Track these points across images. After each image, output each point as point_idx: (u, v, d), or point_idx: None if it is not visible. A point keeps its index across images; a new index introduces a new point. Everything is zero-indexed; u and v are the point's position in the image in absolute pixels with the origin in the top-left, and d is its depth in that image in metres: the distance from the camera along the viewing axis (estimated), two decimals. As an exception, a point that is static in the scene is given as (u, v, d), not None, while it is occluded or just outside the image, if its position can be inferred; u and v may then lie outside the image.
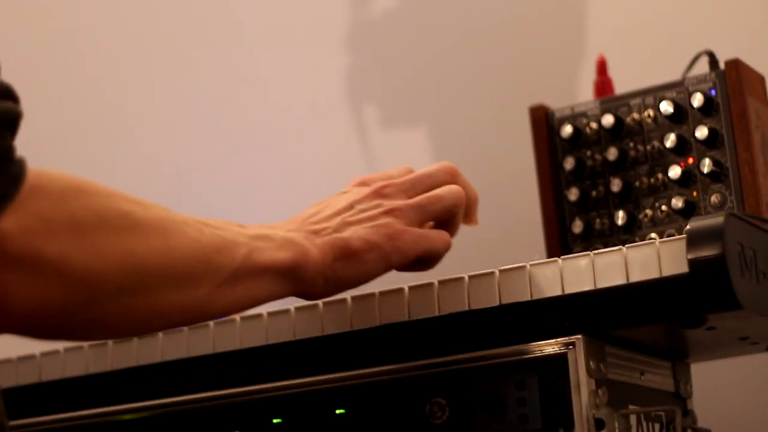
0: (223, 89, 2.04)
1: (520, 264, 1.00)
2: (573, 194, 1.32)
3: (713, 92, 1.26)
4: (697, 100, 1.26)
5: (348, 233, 0.95)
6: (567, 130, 1.34)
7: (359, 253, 0.94)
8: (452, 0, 1.95)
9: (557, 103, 1.39)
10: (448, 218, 1.03)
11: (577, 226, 1.32)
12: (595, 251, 0.98)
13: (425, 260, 0.99)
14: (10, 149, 0.69)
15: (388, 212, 0.97)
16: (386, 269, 0.97)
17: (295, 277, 0.91)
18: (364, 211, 0.97)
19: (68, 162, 1.78)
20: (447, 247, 1.01)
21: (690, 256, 0.91)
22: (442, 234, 1.01)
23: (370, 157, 1.91)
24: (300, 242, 0.92)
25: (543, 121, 1.37)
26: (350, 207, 0.98)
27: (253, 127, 2.01)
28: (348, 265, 0.94)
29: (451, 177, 1.04)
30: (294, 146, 1.98)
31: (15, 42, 2.06)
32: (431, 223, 1.03)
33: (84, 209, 0.73)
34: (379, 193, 0.99)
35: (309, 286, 0.93)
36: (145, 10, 2.11)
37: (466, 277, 1.00)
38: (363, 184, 1.02)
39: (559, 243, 1.32)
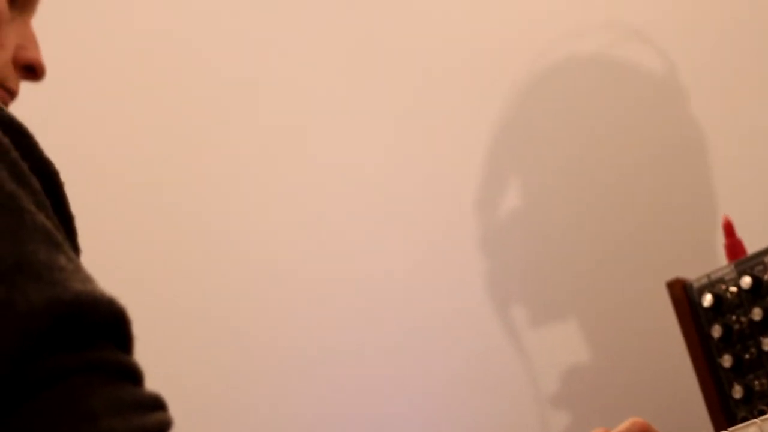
0: (372, 309, 2.08)
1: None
2: (726, 361, 1.34)
3: (843, 236, 1.28)
4: (829, 246, 1.28)
5: None
6: (708, 299, 1.37)
7: None
8: (572, 194, 2.00)
9: (690, 270, 1.42)
10: None
11: (737, 392, 1.33)
12: (762, 417, 1.00)
13: None
14: None
15: None
16: None
17: None
18: None
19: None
20: None
21: None
22: None
23: (525, 356, 1.94)
24: None
25: (682, 294, 1.40)
26: None
27: (409, 335, 2.03)
28: None
29: None
30: (446, 352, 2.00)
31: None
32: None
33: None
34: None
35: None
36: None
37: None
38: None
39: (722, 411, 1.33)
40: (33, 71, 0.95)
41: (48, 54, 1.98)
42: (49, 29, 2.12)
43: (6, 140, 0.64)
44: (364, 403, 1.92)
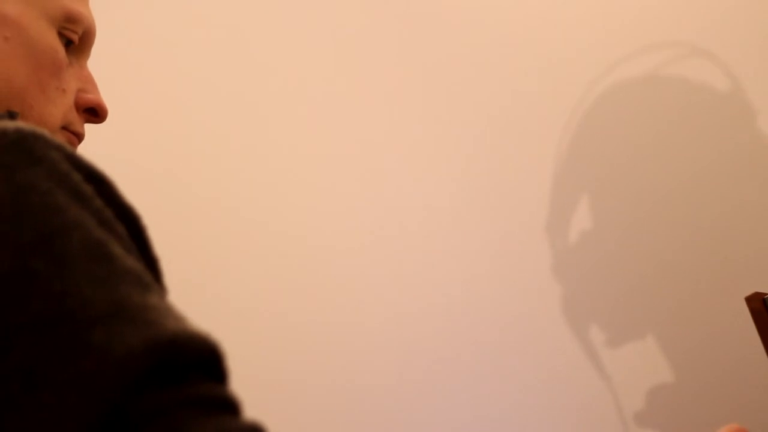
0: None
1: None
2: (810, 372, 1.34)
3: None
4: None
5: None
6: (787, 311, 1.37)
7: None
8: (645, 214, 2.00)
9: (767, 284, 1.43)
10: None
11: (823, 403, 1.32)
12: None
13: None
14: None
15: None
16: None
17: None
18: None
19: None
20: None
21: None
22: None
23: (605, 376, 1.94)
24: None
25: (762, 308, 1.40)
26: None
27: (487, 359, 2.04)
28: None
29: None
30: (526, 375, 1.99)
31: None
32: None
33: None
34: None
35: None
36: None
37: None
38: None
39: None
40: (95, 113, 0.96)
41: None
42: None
43: (90, 188, 0.66)
44: (446, 424, 1.93)
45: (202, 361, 0.62)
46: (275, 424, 1.79)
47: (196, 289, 1.89)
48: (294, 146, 2.03)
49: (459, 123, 2.07)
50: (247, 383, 1.82)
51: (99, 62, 1.95)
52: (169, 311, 0.62)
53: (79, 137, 0.94)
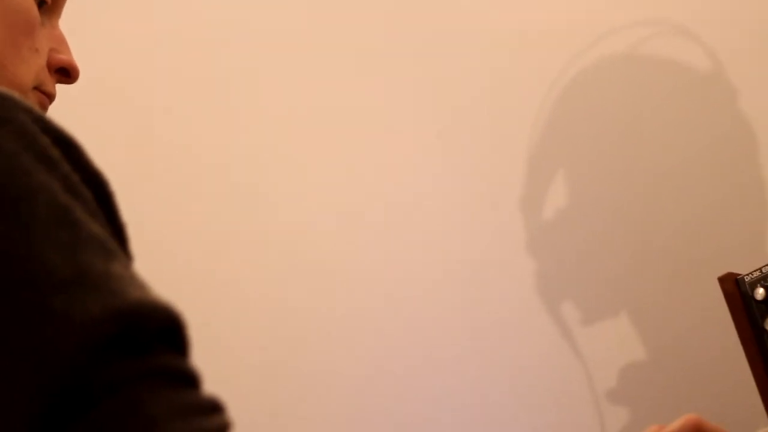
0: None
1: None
2: (781, 353, 1.34)
3: None
4: None
5: None
6: (760, 292, 1.37)
7: None
8: (620, 191, 2.00)
9: (741, 265, 1.43)
10: None
11: (792, 384, 1.33)
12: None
13: None
14: None
15: None
16: None
17: None
18: None
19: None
20: None
21: None
22: None
23: (579, 355, 1.94)
24: None
25: (735, 289, 1.41)
26: None
27: (460, 338, 2.04)
28: None
29: (697, 429, 0.94)
30: (499, 354, 1.99)
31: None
32: None
33: None
34: None
35: None
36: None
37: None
38: None
39: (778, 403, 1.33)
40: (67, 74, 0.96)
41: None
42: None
43: (57, 152, 0.65)
44: (421, 406, 1.93)
45: (164, 331, 0.61)
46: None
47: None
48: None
49: (435, 92, 2.06)
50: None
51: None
52: (132, 280, 0.62)
53: (50, 97, 0.94)
